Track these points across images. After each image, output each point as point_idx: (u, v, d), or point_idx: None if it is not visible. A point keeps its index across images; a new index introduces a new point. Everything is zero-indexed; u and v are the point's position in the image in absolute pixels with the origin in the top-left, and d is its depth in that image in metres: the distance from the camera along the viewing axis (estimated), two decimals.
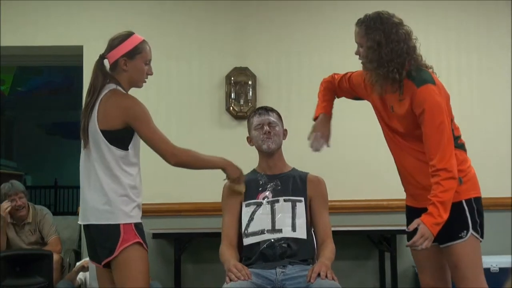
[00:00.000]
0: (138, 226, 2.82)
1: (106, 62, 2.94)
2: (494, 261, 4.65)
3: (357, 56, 3.06)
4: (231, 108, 5.05)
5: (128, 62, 2.89)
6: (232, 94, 5.04)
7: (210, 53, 5.14)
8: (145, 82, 3.00)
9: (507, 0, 5.26)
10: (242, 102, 5.05)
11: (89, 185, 2.84)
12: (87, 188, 2.85)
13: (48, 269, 4.62)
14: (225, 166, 3.12)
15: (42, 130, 13.51)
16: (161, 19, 5.16)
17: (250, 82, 5.06)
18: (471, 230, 2.79)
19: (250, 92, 5.05)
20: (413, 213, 2.94)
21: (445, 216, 2.67)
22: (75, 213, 6.20)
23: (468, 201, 2.81)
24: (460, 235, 2.79)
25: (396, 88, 2.84)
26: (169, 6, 5.19)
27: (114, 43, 2.94)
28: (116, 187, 2.78)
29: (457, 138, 2.87)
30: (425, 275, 3.03)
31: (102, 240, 2.79)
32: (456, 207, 2.76)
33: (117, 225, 2.76)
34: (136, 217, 2.82)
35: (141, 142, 2.90)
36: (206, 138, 5.05)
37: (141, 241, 2.79)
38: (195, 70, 5.16)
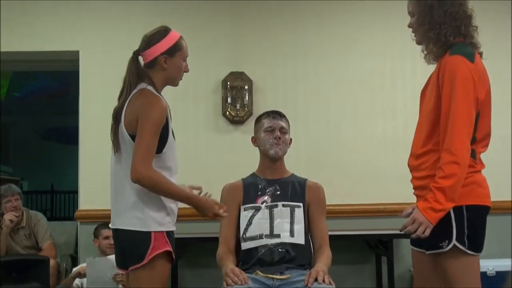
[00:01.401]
0: (169, 235, 2.74)
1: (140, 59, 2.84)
2: (492, 265, 4.65)
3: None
4: (228, 112, 5.05)
5: (168, 60, 2.82)
6: (228, 99, 5.04)
7: (206, 58, 5.14)
8: (181, 79, 2.93)
9: (507, 0, 5.26)
10: (238, 106, 5.05)
11: (120, 190, 2.76)
12: (117, 193, 2.78)
13: (45, 275, 4.61)
14: (191, 203, 2.82)
15: (38, 135, 13.47)
16: (157, 24, 5.13)
17: (246, 87, 5.06)
18: (454, 241, 2.51)
19: (247, 97, 5.05)
20: None
21: (446, 204, 2.45)
22: (71, 218, 6.20)
23: (458, 209, 2.52)
24: (440, 244, 2.53)
25: (440, 54, 2.64)
26: (165, 11, 5.19)
27: (152, 40, 2.84)
28: (147, 192, 2.68)
29: (473, 142, 2.58)
30: (416, 279, 2.91)
31: (132, 246, 2.72)
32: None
33: (148, 233, 2.67)
34: (167, 225, 2.73)
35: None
36: (202, 142, 5.05)
37: (171, 251, 2.72)
38: (191, 74, 5.05)
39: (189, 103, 5.12)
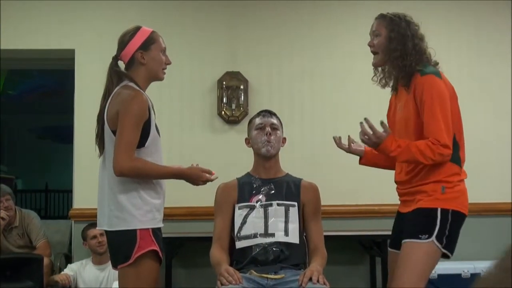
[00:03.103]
0: (156, 233, 2.74)
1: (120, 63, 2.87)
2: (483, 266, 4.67)
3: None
4: (223, 112, 5.05)
5: (144, 54, 2.84)
6: (224, 99, 5.04)
7: (201, 58, 5.14)
8: (164, 73, 2.94)
9: (507, 0, 5.27)
10: (234, 106, 5.05)
11: (103, 191, 2.78)
12: (101, 195, 2.79)
13: (39, 273, 4.60)
14: (180, 177, 2.86)
15: (33, 134, 13.45)
16: (152, 24, 5.07)
17: (242, 87, 5.07)
18: (433, 238, 2.72)
19: (242, 97, 5.06)
20: (396, 218, 3.09)
21: (393, 152, 2.74)
22: (66, 217, 6.18)
23: (444, 211, 2.76)
24: (420, 236, 2.74)
25: (406, 82, 2.88)
26: (160, 11, 5.19)
27: (125, 40, 2.87)
28: (127, 189, 2.69)
29: (457, 149, 2.84)
30: (390, 278, 3.04)
31: (118, 245, 2.72)
32: (430, 212, 2.78)
33: (134, 231, 2.67)
34: (152, 221, 2.72)
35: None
36: (198, 142, 5.05)
37: (158, 249, 2.72)
38: (186, 74, 5.16)
39: (184, 102, 5.12)
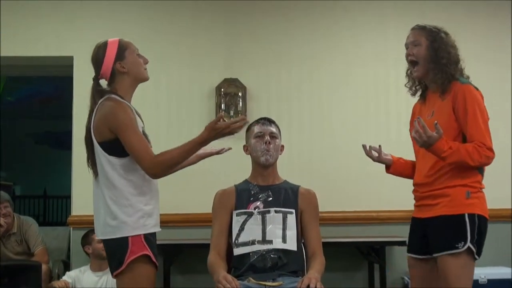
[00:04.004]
0: (148, 238, 2.76)
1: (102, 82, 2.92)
2: (485, 272, 4.67)
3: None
4: (221, 119, 5.05)
5: (123, 63, 2.86)
6: (222, 105, 5.05)
7: (200, 64, 5.15)
8: (147, 72, 2.96)
9: (508, 0, 5.28)
10: (232, 113, 5.05)
11: (97, 203, 2.84)
12: (96, 206, 2.85)
13: (37, 280, 4.59)
14: (207, 140, 2.87)
15: (31, 140, 13.45)
16: (151, 30, 5.17)
17: (240, 94, 5.07)
18: (468, 243, 2.83)
19: (240, 103, 5.06)
20: (415, 223, 3.11)
21: (445, 152, 2.81)
22: (64, 223, 6.18)
23: (471, 216, 2.86)
24: (457, 245, 2.83)
25: (443, 89, 3.00)
26: (158, 18, 5.21)
27: (99, 57, 2.90)
28: (117, 198, 2.73)
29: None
30: (413, 285, 3.12)
31: (112, 253, 2.77)
32: (458, 219, 2.86)
33: (125, 238, 2.71)
34: (144, 227, 2.75)
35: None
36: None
37: (150, 254, 2.74)
38: (185, 81, 5.17)
39: (183, 109, 5.13)
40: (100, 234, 2.82)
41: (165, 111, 5.12)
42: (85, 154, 4.93)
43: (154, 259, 2.77)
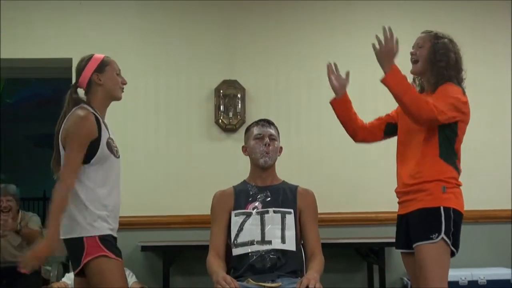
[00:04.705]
0: (105, 238, 2.86)
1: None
2: (489, 273, 4.68)
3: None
4: (220, 121, 5.06)
5: (100, 75, 2.99)
6: (221, 107, 5.06)
7: (199, 66, 5.16)
8: (123, 91, 3.09)
9: (508, 0, 5.28)
10: (231, 115, 5.06)
11: None
12: None
13: (35, 282, 4.60)
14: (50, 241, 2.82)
15: (30, 142, 13.44)
16: (149, 32, 5.18)
17: (239, 95, 5.08)
18: (442, 234, 2.95)
19: (239, 105, 5.07)
20: (399, 220, 3.26)
21: (394, 83, 3.02)
22: None
23: (446, 209, 2.99)
24: (431, 236, 2.96)
25: (433, 89, 3.14)
26: (156, 20, 5.21)
27: (80, 67, 3.04)
28: (73, 200, 2.84)
29: (455, 157, 3.12)
30: (412, 279, 3.24)
31: (70, 252, 2.89)
32: (434, 211, 3.00)
33: (80, 238, 2.82)
34: (99, 229, 2.85)
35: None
36: (195, 150, 5.06)
37: (107, 253, 2.83)
38: (184, 83, 5.17)
39: (182, 111, 5.13)
40: (61, 233, 2.88)
41: (164, 113, 5.12)
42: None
43: (113, 256, 2.85)
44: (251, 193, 3.26)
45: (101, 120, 2.96)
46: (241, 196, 3.25)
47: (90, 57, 3.05)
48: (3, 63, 5.13)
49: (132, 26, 5.14)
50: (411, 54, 3.24)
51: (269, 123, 3.37)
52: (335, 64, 3.45)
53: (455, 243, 3.01)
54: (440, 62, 3.12)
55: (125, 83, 3.10)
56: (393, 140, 5.08)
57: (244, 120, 5.03)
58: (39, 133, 13.14)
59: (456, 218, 3.01)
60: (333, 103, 3.44)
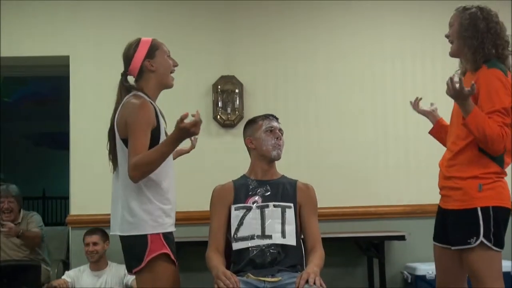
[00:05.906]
0: (167, 236, 2.80)
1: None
2: None
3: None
4: (218, 116, 5.06)
5: (152, 61, 2.88)
6: (219, 103, 5.05)
7: (196, 62, 5.15)
8: (173, 78, 3.00)
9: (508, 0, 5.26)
10: (229, 110, 5.06)
11: (117, 199, 2.84)
12: (115, 202, 2.85)
13: (36, 280, 4.60)
14: (175, 141, 2.72)
15: (29, 141, 13.43)
16: (147, 28, 5.16)
17: (237, 91, 5.08)
18: (481, 238, 2.79)
19: (237, 101, 5.07)
20: (438, 211, 3.09)
21: (470, 115, 2.73)
22: (63, 223, 6.17)
23: (485, 209, 2.81)
24: (468, 241, 2.81)
25: (473, 67, 2.92)
26: (155, 17, 5.20)
27: (130, 54, 2.91)
28: (137, 195, 2.74)
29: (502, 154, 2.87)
30: (438, 273, 3.14)
31: (130, 250, 2.79)
32: (471, 213, 2.82)
33: (144, 236, 2.73)
34: (163, 226, 2.78)
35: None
36: None
37: (168, 252, 2.78)
38: (181, 78, 5.09)
39: (180, 107, 5.05)
40: (118, 230, 2.81)
41: (162, 109, 5.09)
42: (83, 154, 4.96)
43: (173, 258, 2.81)
44: (250, 187, 3.25)
45: (157, 109, 2.86)
46: (240, 190, 3.25)
47: (138, 42, 2.91)
48: (0, 61, 5.12)
49: (129, 22, 5.13)
50: (446, 36, 3.07)
51: (276, 118, 3.39)
52: (416, 99, 3.36)
53: (498, 242, 2.82)
54: (467, 32, 2.91)
55: (176, 65, 2.98)
56: (392, 134, 5.11)
57: (242, 115, 5.03)
58: (38, 132, 13.15)
59: (497, 216, 2.81)
60: (431, 133, 3.35)
